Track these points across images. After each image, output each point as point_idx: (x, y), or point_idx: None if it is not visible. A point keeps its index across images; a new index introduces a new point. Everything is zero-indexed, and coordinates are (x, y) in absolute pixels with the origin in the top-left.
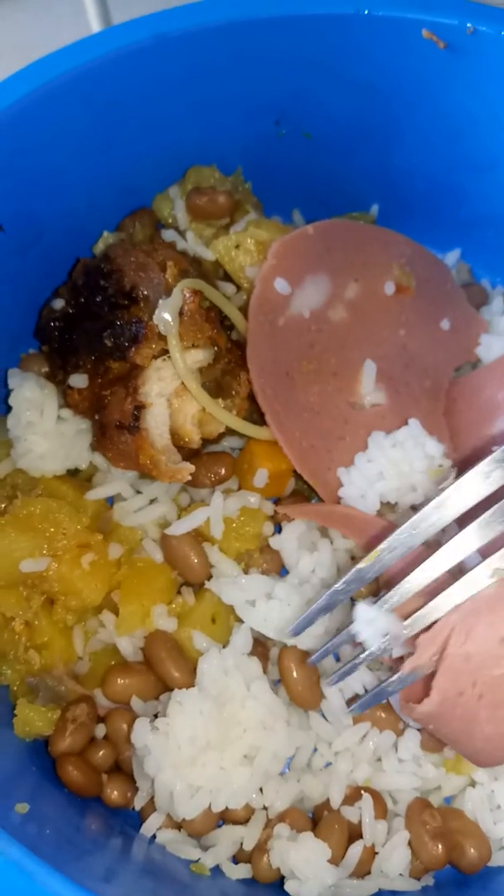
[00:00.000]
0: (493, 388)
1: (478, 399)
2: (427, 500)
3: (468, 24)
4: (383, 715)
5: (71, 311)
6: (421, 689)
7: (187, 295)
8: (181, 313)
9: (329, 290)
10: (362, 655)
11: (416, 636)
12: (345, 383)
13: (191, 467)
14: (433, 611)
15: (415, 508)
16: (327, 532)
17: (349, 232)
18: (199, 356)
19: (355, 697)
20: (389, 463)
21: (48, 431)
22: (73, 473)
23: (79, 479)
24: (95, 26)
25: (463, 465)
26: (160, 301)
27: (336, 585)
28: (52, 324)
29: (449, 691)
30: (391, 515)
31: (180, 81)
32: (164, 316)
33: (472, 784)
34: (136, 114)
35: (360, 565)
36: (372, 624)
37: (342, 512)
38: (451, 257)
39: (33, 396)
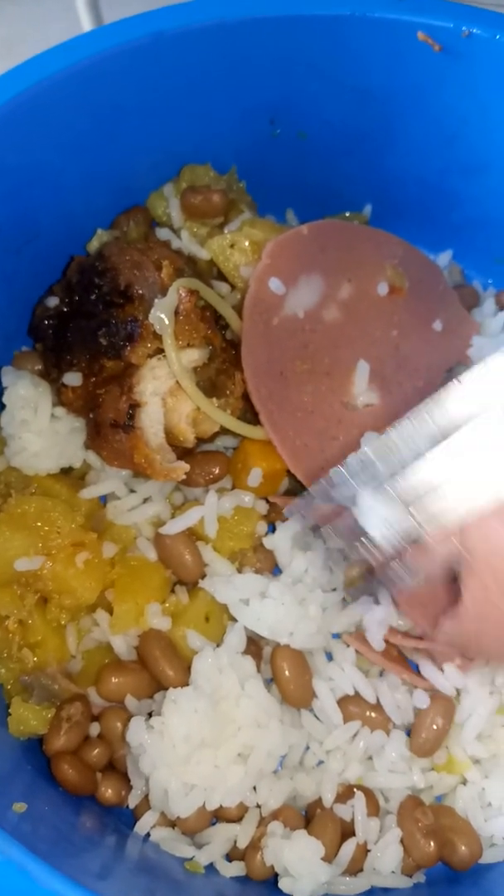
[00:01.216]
0: None
1: None
2: None
3: (463, 28)
4: (374, 715)
5: (65, 309)
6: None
7: (183, 294)
8: (176, 312)
9: (323, 291)
10: (368, 548)
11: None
12: (338, 383)
13: (185, 466)
14: (439, 499)
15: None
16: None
17: (343, 232)
18: (193, 355)
19: (345, 697)
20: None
21: (42, 429)
22: (66, 472)
23: (72, 477)
24: (85, 19)
25: None
26: (155, 300)
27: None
28: (46, 322)
29: (478, 592)
30: None
31: (175, 80)
32: (160, 315)
33: (464, 782)
34: (131, 112)
35: (366, 448)
36: (373, 510)
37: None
38: (443, 259)
39: (27, 394)
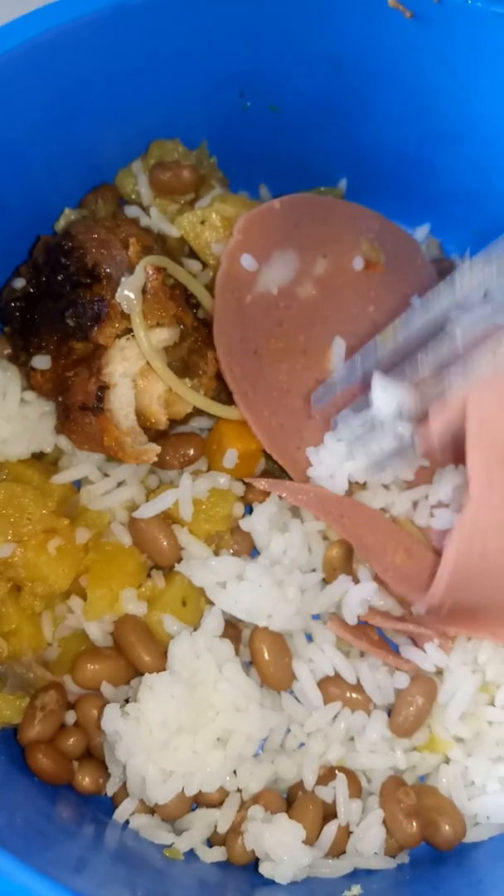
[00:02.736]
0: None
1: None
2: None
3: None
4: (354, 695)
5: (32, 290)
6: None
7: (150, 272)
8: (144, 291)
9: (297, 266)
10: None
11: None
12: (314, 361)
13: (157, 448)
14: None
15: (386, 487)
16: (299, 512)
17: (317, 206)
18: (164, 335)
19: (326, 679)
20: (358, 443)
21: (11, 415)
22: (38, 457)
23: (44, 462)
24: None
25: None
26: (122, 279)
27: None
28: (13, 304)
29: (481, 475)
30: (361, 495)
31: (140, 51)
32: (127, 293)
33: (447, 761)
34: (96, 85)
35: (377, 337)
36: (385, 390)
37: (311, 490)
38: (421, 232)
39: None
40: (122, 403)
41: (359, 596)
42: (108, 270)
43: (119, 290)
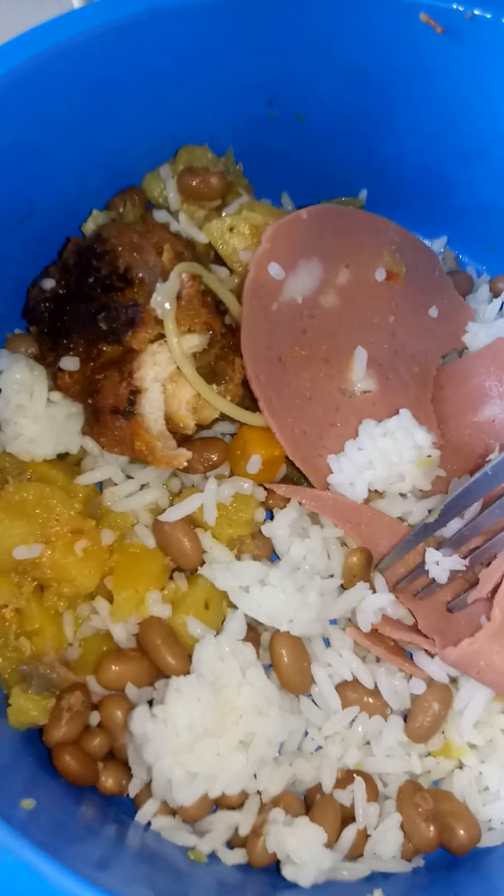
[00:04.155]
0: (480, 375)
1: (465, 386)
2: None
3: (467, 9)
4: (372, 700)
5: (61, 291)
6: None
7: (185, 279)
8: (178, 298)
9: (321, 276)
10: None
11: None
12: (336, 370)
13: (188, 454)
14: (491, 547)
15: (403, 496)
16: (318, 519)
17: (342, 217)
18: (194, 341)
19: (343, 683)
20: (379, 452)
21: (38, 415)
22: (61, 457)
23: (68, 463)
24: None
25: (450, 453)
26: (157, 285)
27: (427, 519)
28: (41, 304)
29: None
30: (378, 503)
31: (172, 57)
32: (162, 300)
33: (461, 766)
34: (127, 90)
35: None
36: (438, 564)
37: (330, 497)
38: (438, 245)
39: (23, 378)
40: (152, 408)
41: (375, 605)
42: (141, 275)
43: (154, 296)
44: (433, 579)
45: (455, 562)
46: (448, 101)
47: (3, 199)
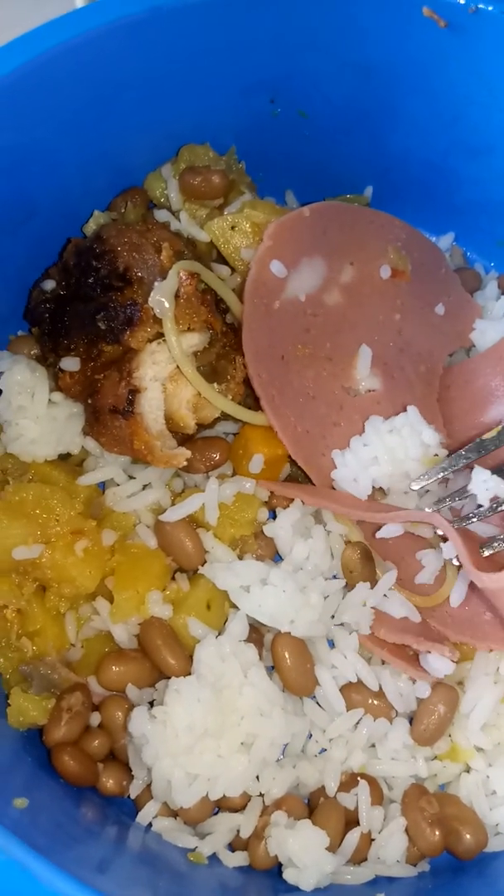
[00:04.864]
0: (486, 375)
1: (471, 386)
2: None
3: (470, 3)
4: (376, 702)
5: (62, 292)
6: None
7: (183, 277)
8: (177, 296)
9: (324, 274)
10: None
11: None
12: (340, 368)
13: (187, 453)
14: None
15: (406, 493)
16: (321, 518)
17: (345, 214)
18: (194, 340)
19: (348, 685)
20: (385, 448)
21: (40, 415)
22: (63, 458)
23: (69, 463)
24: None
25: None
26: (155, 283)
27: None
28: (42, 305)
29: None
30: (381, 500)
31: (173, 56)
32: (160, 299)
33: (468, 770)
34: (129, 89)
35: (484, 437)
36: (485, 483)
37: (328, 492)
38: (445, 241)
39: (24, 379)
40: (151, 407)
41: (357, 598)
42: (140, 274)
43: (152, 294)
44: (479, 506)
45: (502, 485)
46: (453, 96)
47: (4, 200)
